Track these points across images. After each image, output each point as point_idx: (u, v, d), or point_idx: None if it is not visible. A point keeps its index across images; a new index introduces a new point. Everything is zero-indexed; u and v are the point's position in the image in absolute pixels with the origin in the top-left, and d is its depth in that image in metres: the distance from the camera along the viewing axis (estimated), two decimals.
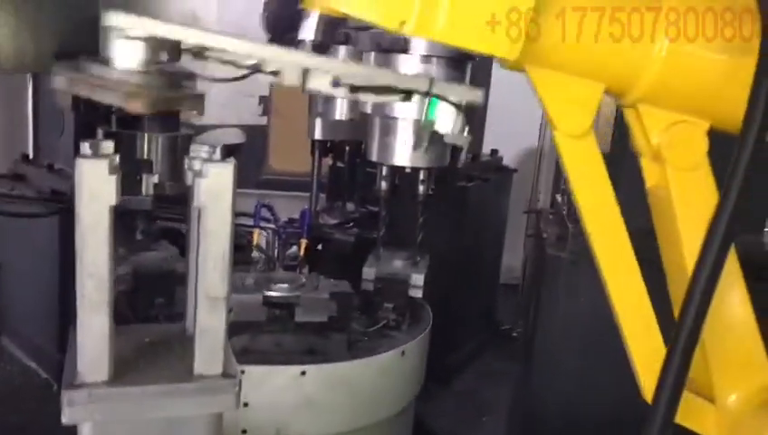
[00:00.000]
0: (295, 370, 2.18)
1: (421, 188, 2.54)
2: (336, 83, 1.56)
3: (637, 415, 1.15)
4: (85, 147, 1.32)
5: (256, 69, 1.53)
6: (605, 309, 1.34)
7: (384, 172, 2.59)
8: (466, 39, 1.24)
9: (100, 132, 2.50)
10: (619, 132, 2.50)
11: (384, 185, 2.61)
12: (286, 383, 2.18)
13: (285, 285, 2.38)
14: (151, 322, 2.30)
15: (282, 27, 1.68)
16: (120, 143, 2.73)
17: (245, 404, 2.03)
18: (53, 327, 3.48)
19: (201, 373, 1.24)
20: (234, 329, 2.14)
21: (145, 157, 2.50)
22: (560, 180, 3.21)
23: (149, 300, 2.38)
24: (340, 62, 1.58)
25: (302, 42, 1.67)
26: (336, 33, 1.71)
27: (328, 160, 3.25)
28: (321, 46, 1.65)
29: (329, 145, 3.11)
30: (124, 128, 2.50)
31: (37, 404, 3.48)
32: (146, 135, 2.51)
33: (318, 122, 2.96)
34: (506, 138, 4.19)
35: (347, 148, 3.14)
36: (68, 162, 3.50)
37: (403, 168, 2.53)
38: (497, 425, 3.57)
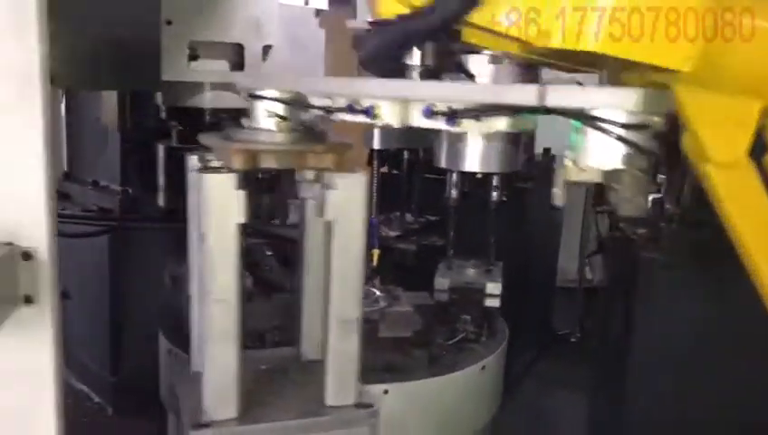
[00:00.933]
0: (377, 388, 2.07)
1: (495, 194, 2.41)
2: (429, 111, 1.32)
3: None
4: (194, 160, 1.22)
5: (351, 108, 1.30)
6: (710, 314, 1.19)
7: (454, 179, 2.47)
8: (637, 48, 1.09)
9: (161, 148, 2.43)
10: None
11: (454, 192, 2.49)
12: None
13: None
14: None
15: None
16: (180, 159, 2.64)
17: None
18: (105, 349, 3.39)
19: (334, 404, 1.14)
20: None
21: None
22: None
23: None
24: (431, 84, 1.36)
25: (409, 67, 1.45)
26: (451, 59, 1.48)
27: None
28: (432, 73, 1.43)
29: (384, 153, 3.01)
30: (186, 143, 2.42)
31: (90, 429, 3.38)
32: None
33: (377, 131, 2.86)
34: (557, 135, 4.02)
35: (405, 156, 3.03)
36: (111, 178, 3.42)
37: (474, 174, 2.41)
38: None
